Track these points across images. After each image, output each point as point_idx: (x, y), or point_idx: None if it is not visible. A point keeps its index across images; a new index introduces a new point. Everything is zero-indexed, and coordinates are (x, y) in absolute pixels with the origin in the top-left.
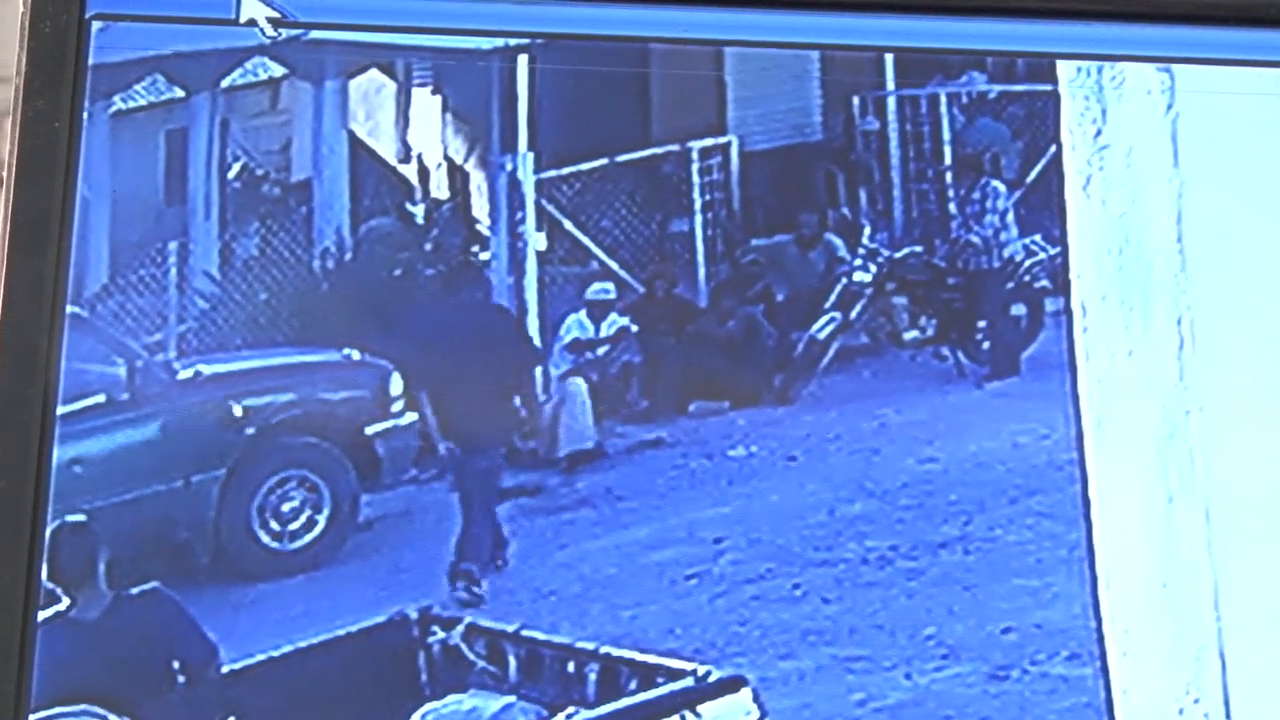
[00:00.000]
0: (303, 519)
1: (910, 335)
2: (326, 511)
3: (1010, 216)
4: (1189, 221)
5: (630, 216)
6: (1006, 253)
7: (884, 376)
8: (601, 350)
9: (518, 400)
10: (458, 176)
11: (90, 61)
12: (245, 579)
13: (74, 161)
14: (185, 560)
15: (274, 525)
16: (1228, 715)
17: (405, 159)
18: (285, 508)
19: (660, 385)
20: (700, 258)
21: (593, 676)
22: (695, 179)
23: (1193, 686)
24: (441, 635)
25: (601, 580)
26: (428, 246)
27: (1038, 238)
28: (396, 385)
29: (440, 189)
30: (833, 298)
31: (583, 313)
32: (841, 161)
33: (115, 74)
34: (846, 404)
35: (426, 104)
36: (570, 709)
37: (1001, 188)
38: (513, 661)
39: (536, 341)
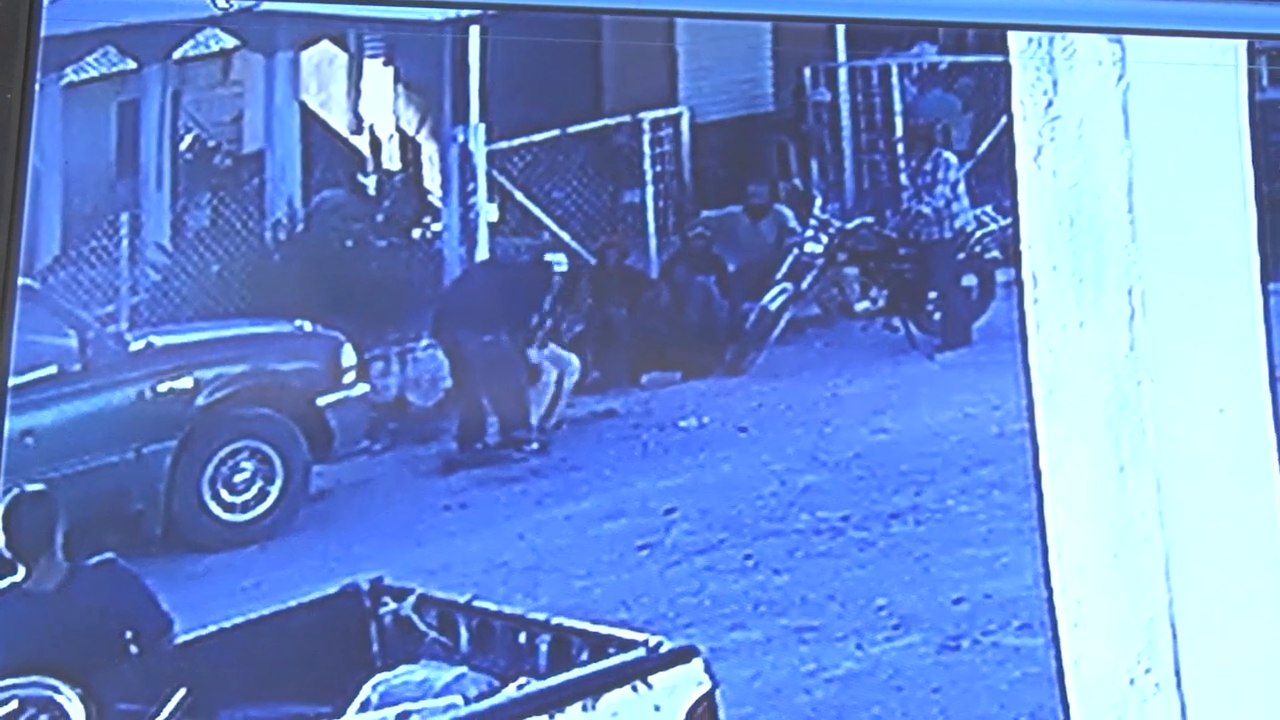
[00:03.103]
0: (254, 490)
1: (861, 306)
2: (278, 482)
3: (961, 187)
4: (1140, 192)
5: (581, 188)
6: (958, 223)
7: (835, 347)
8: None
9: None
10: (409, 148)
11: (42, 34)
12: (197, 550)
13: (26, 133)
14: (138, 531)
15: (226, 496)
16: (1178, 684)
17: (357, 130)
18: (237, 479)
19: (612, 356)
20: (651, 229)
21: (544, 647)
22: (646, 150)
23: (1144, 656)
24: (393, 606)
25: (553, 551)
26: (379, 218)
27: (989, 208)
28: (349, 356)
29: (392, 160)
30: (784, 269)
31: None
32: (793, 133)
33: (67, 46)
34: (798, 375)
35: (378, 75)
36: (521, 679)
37: (953, 159)
38: (464, 632)
39: None
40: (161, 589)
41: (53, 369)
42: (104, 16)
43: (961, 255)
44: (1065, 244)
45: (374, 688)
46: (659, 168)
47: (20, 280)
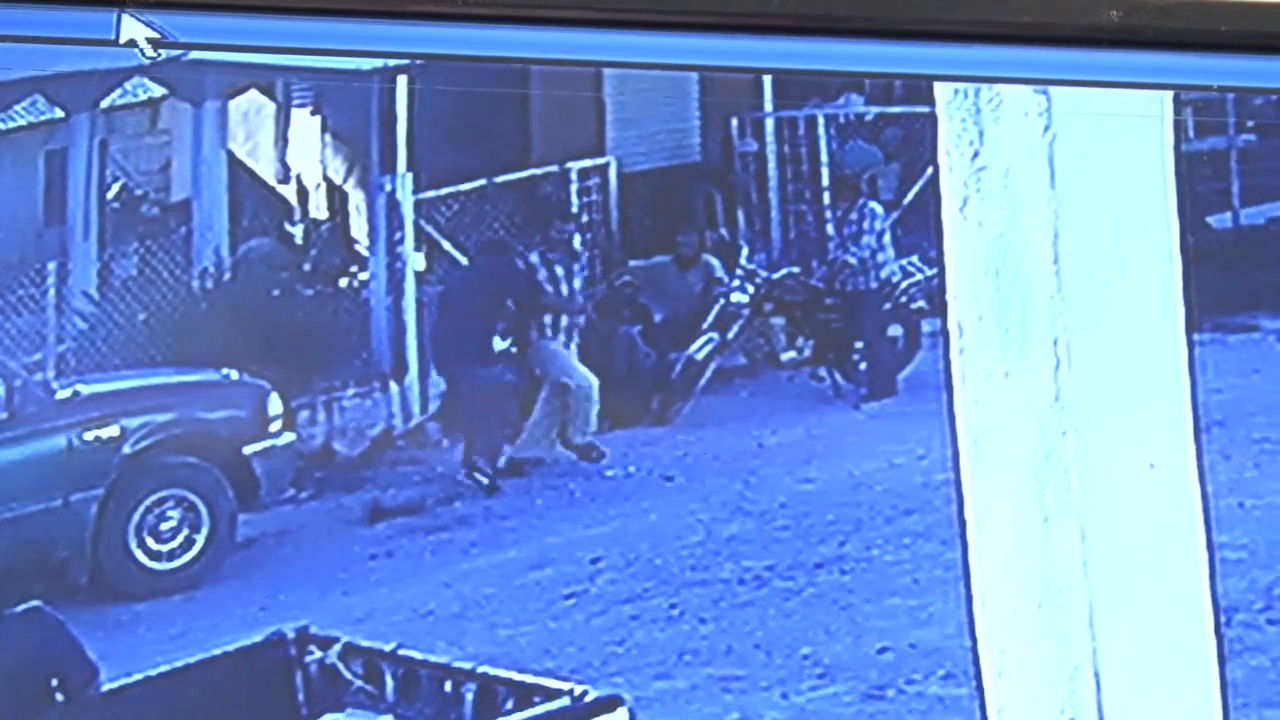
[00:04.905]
0: (180, 538)
1: (788, 356)
2: (204, 531)
3: (887, 238)
4: (1065, 243)
5: (509, 237)
6: (884, 274)
7: (761, 397)
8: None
9: None
10: (337, 197)
11: None
12: (123, 598)
13: None
14: (64, 579)
15: (152, 544)
16: None
17: (284, 179)
18: (163, 527)
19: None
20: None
21: (470, 696)
22: (574, 199)
23: (1068, 706)
24: (318, 654)
25: (479, 599)
26: (306, 266)
27: (915, 259)
28: (275, 405)
29: (319, 209)
30: (710, 318)
31: None
32: (720, 182)
33: None
34: (724, 424)
35: (306, 124)
36: None
37: (879, 209)
38: (390, 681)
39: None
40: (87, 637)
41: None
42: (32, 65)
43: (887, 305)
44: (991, 294)
45: None
46: (586, 217)
47: None
